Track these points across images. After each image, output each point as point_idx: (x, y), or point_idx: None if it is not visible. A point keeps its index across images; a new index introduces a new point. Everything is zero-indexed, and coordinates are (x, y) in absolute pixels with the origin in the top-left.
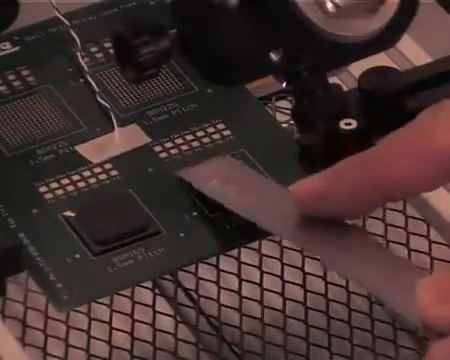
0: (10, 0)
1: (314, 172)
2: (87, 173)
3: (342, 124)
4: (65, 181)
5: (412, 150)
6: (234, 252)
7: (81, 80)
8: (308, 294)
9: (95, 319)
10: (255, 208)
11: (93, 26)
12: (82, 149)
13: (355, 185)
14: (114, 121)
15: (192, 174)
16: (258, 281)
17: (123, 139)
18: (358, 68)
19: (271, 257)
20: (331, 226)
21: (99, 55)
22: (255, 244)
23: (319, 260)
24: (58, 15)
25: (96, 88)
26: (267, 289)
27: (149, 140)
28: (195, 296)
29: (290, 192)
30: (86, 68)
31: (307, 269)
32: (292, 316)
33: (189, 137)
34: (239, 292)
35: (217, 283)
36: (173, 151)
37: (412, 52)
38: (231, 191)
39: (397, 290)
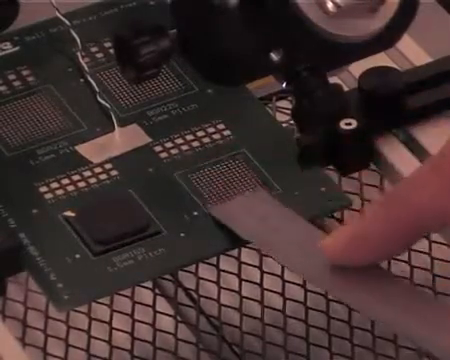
0: (10, 0)
1: (314, 172)
2: (87, 173)
3: (342, 124)
4: (65, 181)
5: (439, 176)
6: (234, 252)
7: (81, 80)
8: (308, 294)
9: (95, 319)
10: (289, 252)
11: (93, 26)
12: (82, 149)
13: (389, 227)
14: (114, 121)
15: (224, 210)
16: (258, 281)
17: (123, 139)
18: (358, 68)
19: (271, 257)
20: (363, 271)
21: (99, 55)
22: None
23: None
24: (58, 15)
25: (96, 88)
26: (267, 289)
27: (149, 140)
28: (195, 296)
29: (321, 245)
30: (86, 68)
31: None
32: (292, 316)
33: (189, 137)
34: (239, 292)
35: (217, 283)
36: (173, 151)
37: (412, 52)
38: (265, 231)
39: (434, 334)
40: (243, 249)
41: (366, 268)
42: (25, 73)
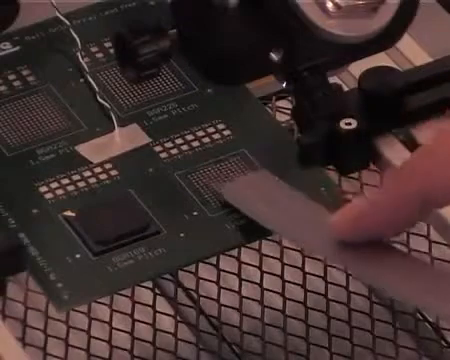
0: (10, 0)
1: (314, 172)
2: (87, 173)
3: (342, 124)
4: (65, 181)
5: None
6: (234, 252)
7: (81, 80)
8: (308, 294)
9: (95, 319)
10: (299, 230)
11: (93, 26)
12: (82, 149)
13: (398, 200)
14: (114, 121)
15: (233, 194)
16: (258, 281)
17: (123, 139)
18: (358, 68)
19: (271, 257)
20: (371, 246)
21: (99, 55)
22: (255, 244)
23: (321, 260)
24: (58, 15)
25: (96, 88)
26: (267, 289)
27: (149, 140)
28: (195, 296)
29: (330, 223)
30: (86, 68)
31: (307, 269)
32: (292, 316)
33: (189, 137)
34: (239, 292)
35: (217, 283)
36: (173, 151)
37: (412, 52)
38: (272, 212)
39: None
40: (243, 249)
41: (374, 243)
42: (25, 73)
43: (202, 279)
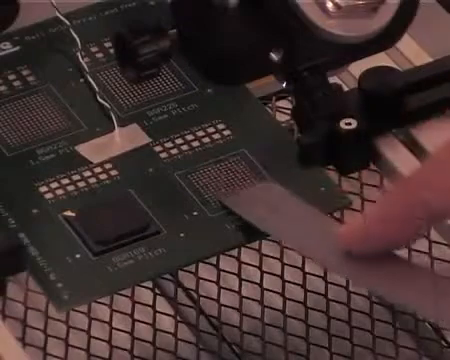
0: (10, 0)
1: (314, 172)
2: (87, 173)
3: (342, 124)
4: (65, 181)
5: None
6: (234, 252)
7: (81, 80)
8: (308, 294)
9: (95, 319)
10: (302, 239)
11: (93, 26)
12: (82, 149)
13: (406, 211)
14: (114, 121)
15: (236, 201)
16: (258, 281)
17: (123, 139)
18: (358, 68)
19: (271, 257)
20: (377, 257)
21: (99, 55)
22: (255, 244)
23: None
24: (58, 15)
25: (96, 88)
26: (267, 289)
27: (149, 140)
28: (195, 296)
29: (338, 234)
30: (86, 68)
31: (307, 269)
32: (292, 316)
33: (189, 137)
34: (239, 292)
35: (217, 283)
36: (173, 151)
37: (412, 52)
38: (277, 220)
39: None
40: (243, 249)
41: (381, 254)
42: (25, 73)
43: (202, 279)
